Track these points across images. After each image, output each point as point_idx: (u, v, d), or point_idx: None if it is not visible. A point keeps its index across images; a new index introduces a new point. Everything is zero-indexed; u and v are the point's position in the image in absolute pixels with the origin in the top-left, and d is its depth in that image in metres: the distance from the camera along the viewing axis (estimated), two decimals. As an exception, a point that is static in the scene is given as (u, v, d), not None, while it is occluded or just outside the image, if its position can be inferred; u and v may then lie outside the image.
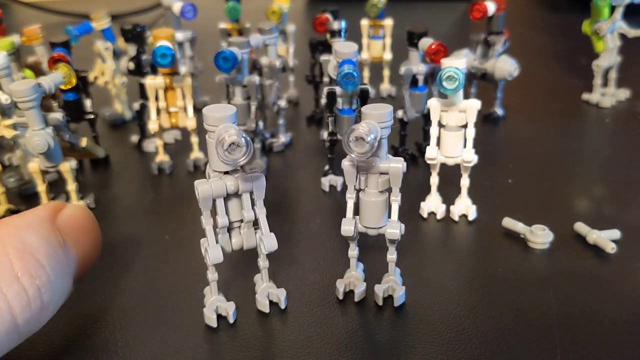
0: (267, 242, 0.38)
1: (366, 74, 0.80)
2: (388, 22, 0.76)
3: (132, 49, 0.65)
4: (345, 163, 0.38)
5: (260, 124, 0.59)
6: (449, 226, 0.50)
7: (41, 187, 0.52)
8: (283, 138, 0.65)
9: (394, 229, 0.39)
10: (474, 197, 0.52)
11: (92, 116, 0.60)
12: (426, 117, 0.59)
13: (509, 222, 0.48)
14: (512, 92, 0.76)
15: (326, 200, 0.56)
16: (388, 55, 0.78)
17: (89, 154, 0.60)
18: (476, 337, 0.37)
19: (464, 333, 0.38)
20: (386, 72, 0.80)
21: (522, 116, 0.73)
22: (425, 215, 0.52)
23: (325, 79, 0.66)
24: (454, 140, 0.49)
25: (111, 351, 0.37)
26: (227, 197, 0.37)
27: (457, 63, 0.46)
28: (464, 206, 0.51)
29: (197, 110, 0.59)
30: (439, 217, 0.51)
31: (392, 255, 0.40)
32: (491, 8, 0.65)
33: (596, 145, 0.66)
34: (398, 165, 0.37)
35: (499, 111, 0.72)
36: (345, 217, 0.39)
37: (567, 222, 0.49)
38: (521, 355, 0.36)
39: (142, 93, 0.62)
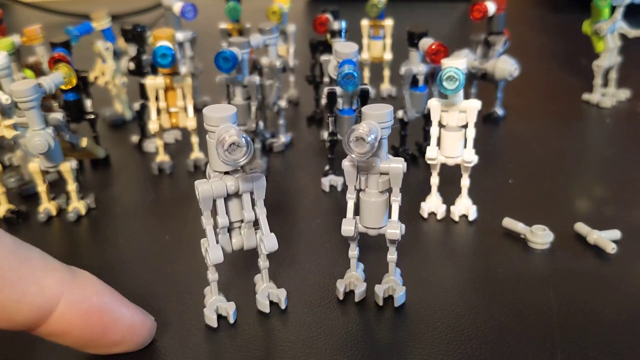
0: (268, 242, 0.38)
1: (366, 74, 0.80)
2: (388, 23, 0.76)
3: (132, 49, 0.65)
4: (346, 163, 0.38)
5: (261, 124, 0.59)
6: (450, 226, 0.50)
7: (41, 187, 0.52)
8: (283, 138, 0.65)
9: (395, 229, 0.39)
10: (474, 198, 0.52)
11: (92, 116, 0.60)
12: (426, 118, 0.59)
13: (509, 223, 0.48)
14: (513, 92, 0.76)
15: (326, 200, 0.56)
16: (388, 56, 0.78)
17: (89, 154, 0.60)
18: (476, 337, 0.37)
19: (464, 333, 0.38)
20: (386, 72, 0.80)
21: (522, 116, 0.73)
22: (425, 215, 0.52)
23: (326, 79, 0.66)
24: (454, 141, 0.49)
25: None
26: (228, 197, 0.37)
27: (457, 63, 0.46)
28: (465, 206, 0.51)
29: (198, 111, 0.59)
30: (439, 217, 0.51)
31: (392, 256, 0.40)
32: (491, 8, 0.65)
33: (596, 146, 0.66)
34: (398, 165, 0.37)
35: (500, 111, 0.72)
36: (345, 217, 0.39)
37: (567, 222, 0.49)
38: (521, 356, 0.36)
39: (143, 93, 0.62)
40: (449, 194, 0.52)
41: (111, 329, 0.35)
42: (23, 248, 0.32)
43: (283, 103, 0.64)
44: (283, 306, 0.41)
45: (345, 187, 0.40)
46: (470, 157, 0.49)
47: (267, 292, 0.41)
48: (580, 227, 0.47)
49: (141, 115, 0.65)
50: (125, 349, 0.36)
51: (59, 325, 0.33)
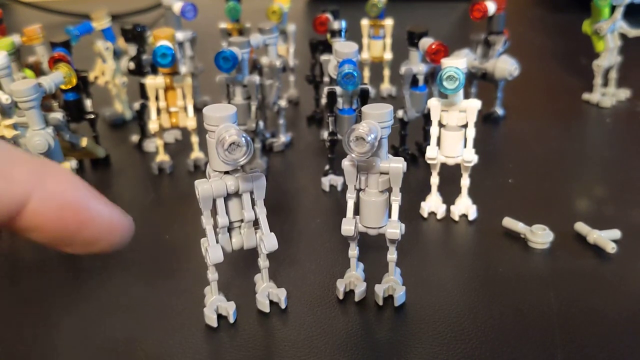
0: (268, 242, 0.38)
1: (366, 73, 0.80)
2: (388, 22, 0.76)
3: (132, 49, 0.65)
4: (346, 163, 0.38)
5: (261, 123, 0.59)
6: (449, 226, 0.50)
7: (41, 187, 0.52)
8: (283, 138, 0.65)
9: (394, 229, 0.39)
10: (474, 197, 0.52)
11: (92, 116, 0.60)
12: (426, 117, 0.59)
13: (509, 222, 0.48)
14: (513, 92, 0.76)
15: (326, 200, 0.56)
16: (388, 55, 0.78)
17: (89, 154, 0.60)
18: (476, 337, 0.37)
19: (464, 333, 0.38)
20: (386, 72, 0.80)
21: (522, 116, 0.73)
22: (425, 215, 0.52)
23: (326, 79, 0.66)
24: (454, 140, 0.49)
25: (112, 351, 0.38)
26: (228, 197, 0.37)
27: (457, 63, 0.46)
28: (465, 206, 0.51)
29: (198, 110, 0.59)
30: (439, 217, 0.51)
31: (392, 255, 0.40)
32: (491, 8, 0.65)
33: (596, 145, 0.66)
34: (398, 165, 0.37)
35: (499, 111, 0.72)
36: (345, 217, 0.39)
37: (567, 222, 0.49)
38: (521, 355, 0.36)
39: (143, 93, 0.62)
40: (449, 193, 0.52)
41: (88, 226, 0.33)
42: None
43: (283, 103, 0.64)
44: (283, 306, 0.41)
45: (345, 186, 0.40)
46: (470, 156, 0.49)
47: (267, 291, 0.41)
48: (580, 227, 0.47)
49: (141, 115, 0.65)
50: (101, 249, 0.35)
51: (32, 220, 0.31)
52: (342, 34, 0.64)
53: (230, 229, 0.39)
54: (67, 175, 0.34)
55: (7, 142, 0.32)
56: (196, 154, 0.62)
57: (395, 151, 0.61)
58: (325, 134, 0.59)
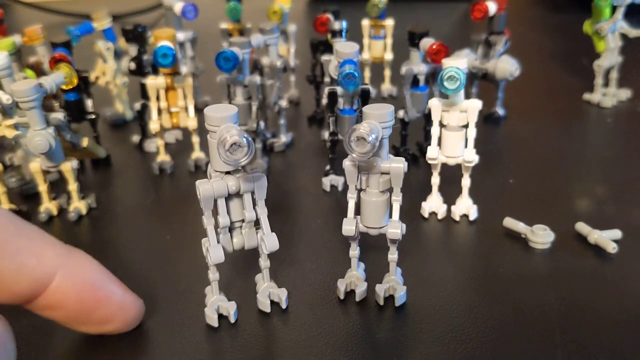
0: (269, 242, 0.38)
1: (367, 74, 0.80)
2: (389, 22, 0.76)
3: (133, 49, 0.66)
4: (347, 163, 0.38)
5: (262, 124, 0.59)
6: (450, 226, 0.50)
7: (42, 187, 0.52)
8: (284, 138, 0.65)
9: (395, 229, 0.39)
10: (475, 197, 0.52)
11: (93, 116, 0.60)
12: (427, 117, 0.59)
13: (510, 222, 0.48)
14: (513, 92, 0.76)
15: (327, 200, 0.56)
16: (389, 56, 0.78)
17: (90, 154, 0.60)
18: (477, 337, 0.38)
19: (464, 333, 0.38)
20: (387, 72, 0.80)
21: (523, 116, 0.73)
22: (426, 215, 0.52)
23: (327, 79, 0.66)
24: (455, 140, 0.49)
25: (113, 351, 0.38)
26: (229, 197, 0.37)
27: (458, 63, 0.46)
28: (465, 206, 0.51)
29: (199, 110, 0.59)
30: (440, 217, 0.51)
31: (393, 255, 0.40)
32: (492, 8, 0.65)
33: (597, 145, 0.66)
34: (399, 165, 0.37)
35: (500, 111, 0.72)
36: (346, 217, 0.39)
37: (568, 222, 0.49)
38: (522, 355, 0.36)
39: (143, 93, 0.62)
40: (450, 193, 0.52)
41: (103, 304, 0.36)
42: (21, 222, 0.33)
43: (284, 103, 0.64)
44: (284, 306, 0.41)
45: (346, 186, 0.40)
46: (471, 156, 0.49)
47: (268, 291, 0.41)
48: (581, 227, 0.47)
49: (142, 115, 0.65)
50: (114, 328, 0.37)
51: (55, 297, 0.33)
52: (343, 34, 0.64)
53: (231, 229, 0.39)
54: (88, 258, 0.36)
55: (38, 227, 0.35)
56: (197, 154, 0.62)
57: (396, 151, 0.61)
58: (326, 134, 0.59)
